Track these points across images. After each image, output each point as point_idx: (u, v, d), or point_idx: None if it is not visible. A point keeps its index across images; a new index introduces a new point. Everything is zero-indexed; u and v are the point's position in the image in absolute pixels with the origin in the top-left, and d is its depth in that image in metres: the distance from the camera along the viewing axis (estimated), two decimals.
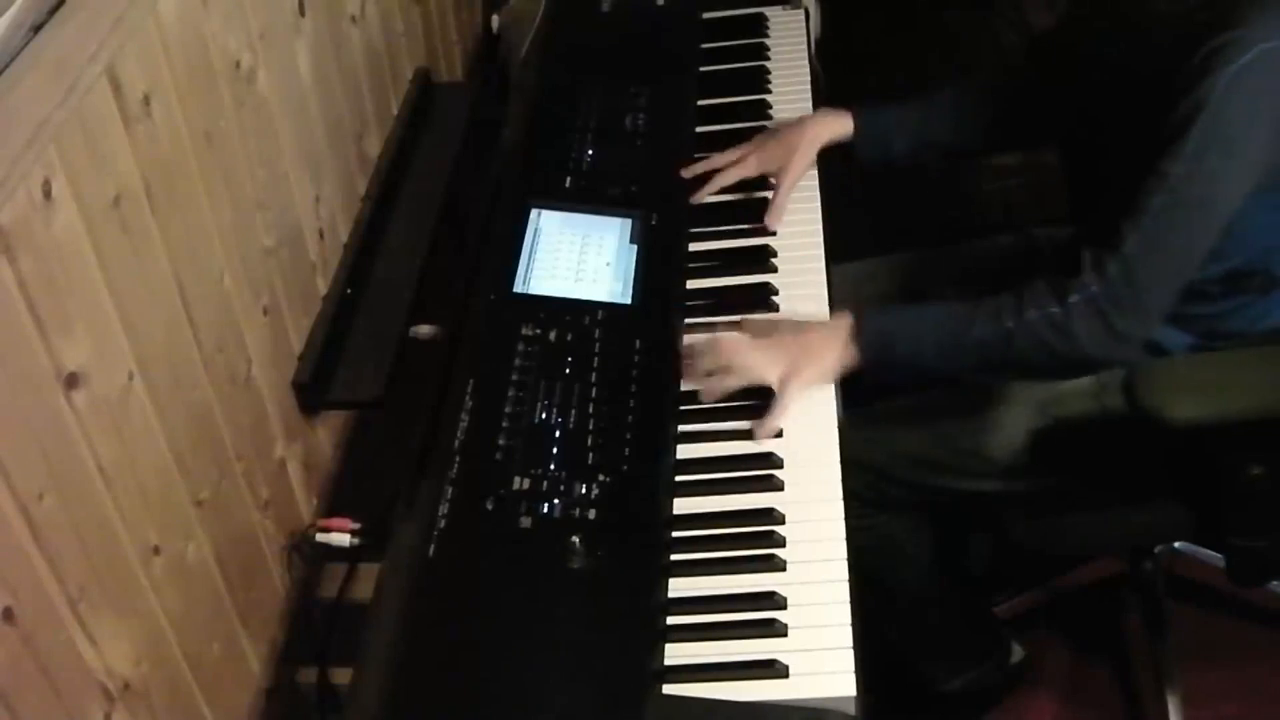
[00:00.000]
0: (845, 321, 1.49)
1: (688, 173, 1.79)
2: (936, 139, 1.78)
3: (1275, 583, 2.04)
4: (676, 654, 1.24)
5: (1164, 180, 1.35)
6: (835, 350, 1.47)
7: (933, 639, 1.89)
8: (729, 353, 1.48)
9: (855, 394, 1.53)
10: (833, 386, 1.49)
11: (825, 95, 2.03)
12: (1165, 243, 1.38)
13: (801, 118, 1.79)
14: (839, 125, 1.76)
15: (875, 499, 1.63)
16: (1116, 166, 1.53)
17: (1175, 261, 1.39)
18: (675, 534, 1.35)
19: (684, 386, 1.50)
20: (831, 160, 1.77)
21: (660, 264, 1.62)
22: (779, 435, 1.44)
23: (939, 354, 1.46)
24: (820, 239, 1.71)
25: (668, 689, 1.21)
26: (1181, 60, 1.36)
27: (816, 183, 1.78)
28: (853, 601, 1.27)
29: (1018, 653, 1.96)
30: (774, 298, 1.62)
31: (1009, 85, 1.78)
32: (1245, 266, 1.50)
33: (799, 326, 1.52)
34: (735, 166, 1.77)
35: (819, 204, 1.75)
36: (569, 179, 1.73)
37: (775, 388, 1.45)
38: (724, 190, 1.79)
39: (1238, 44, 1.32)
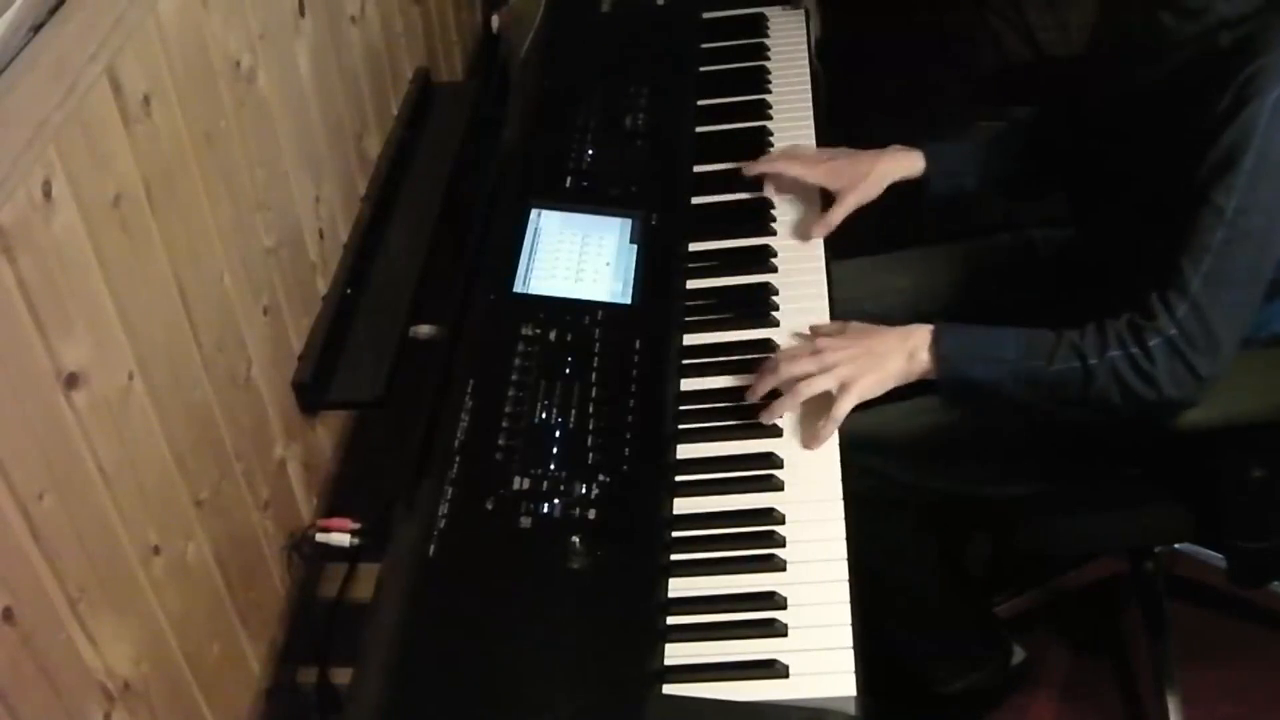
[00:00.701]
0: (920, 331, 1.46)
1: (750, 169, 1.78)
2: (1003, 174, 1.77)
3: (1275, 583, 2.04)
4: (676, 654, 1.24)
5: (1220, 215, 1.34)
6: (900, 358, 1.45)
7: (934, 640, 1.89)
8: (787, 365, 1.45)
9: None
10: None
11: (825, 95, 2.03)
12: (1230, 277, 1.36)
13: (878, 150, 1.77)
14: (911, 163, 1.74)
15: (875, 499, 1.63)
16: (1122, 176, 1.54)
17: (1242, 293, 1.38)
18: (675, 534, 1.35)
19: (750, 399, 1.46)
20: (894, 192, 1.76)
21: (660, 264, 1.62)
22: (779, 435, 1.44)
23: (1016, 381, 1.42)
24: (820, 239, 1.71)
25: (668, 689, 1.21)
26: (1209, 85, 1.36)
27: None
28: (853, 601, 1.27)
29: (1019, 654, 1.96)
30: (774, 297, 1.62)
31: (1053, 119, 1.77)
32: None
33: (865, 332, 1.49)
34: (802, 168, 1.76)
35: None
36: (569, 179, 1.73)
37: (834, 394, 1.43)
38: (724, 190, 1.80)
39: (1271, 71, 1.32)
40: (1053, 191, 1.79)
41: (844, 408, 1.42)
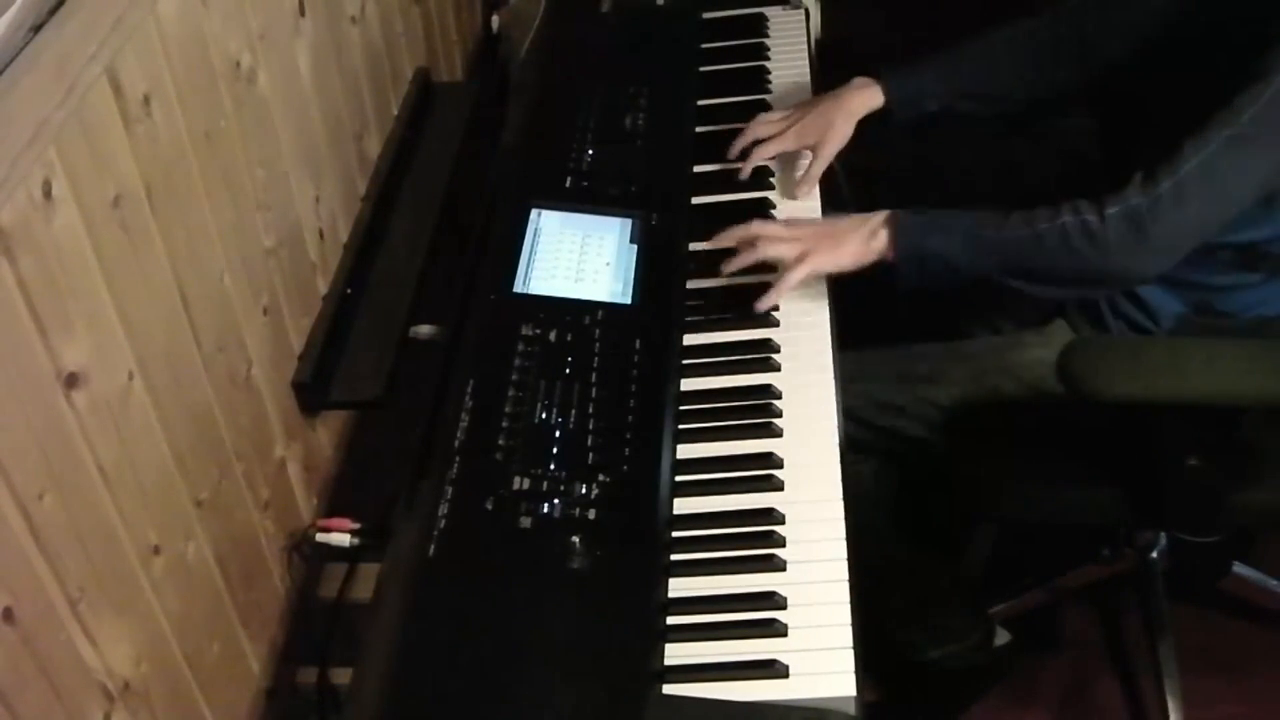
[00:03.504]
0: (880, 214, 1.54)
1: (733, 150, 1.81)
2: (969, 89, 1.79)
3: (1275, 582, 2.04)
4: (676, 654, 1.24)
5: (1237, 116, 1.39)
6: (859, 238, 1.53)
7: (905, 600, 1.88)
8: (756, 230, 1.57)
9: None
10: (831, 386, 1.50)
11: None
12: (1222, 174, 1.40)
13: (837, 91, 1.79)
14: (872, 97, 1.77)
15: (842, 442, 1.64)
16: (1160, 133, 1.56)
17: (1225, 194, 1.42)
18: (675, 534, 1.35)
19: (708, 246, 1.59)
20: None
21: (660, 264, 1.62)
22: (779, 435, 1.44)
23: (967, 249, 1.49)
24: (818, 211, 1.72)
25: (668, 689, 1.21)
26: (1249, 20, 1.41)
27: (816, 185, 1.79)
28: (853, 601, 1.27)
29: (1003, 635, 1.95)
30: None
31: (1044, 33, 1.77)
32: (1264, 242, 1.51)
33: (831, 217, 1.60)
34: (774, 141, 1.79)
35: (818, 203, 1.76)
36: (569, 179, 1.73)
37: (789, 265, 1.53)
38: (724, 190, 1.80)
39: None
40: (1039, 100, 1.80)
41: (797, 275, 1.53)
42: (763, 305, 1.54)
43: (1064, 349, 1.51)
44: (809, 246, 1.53)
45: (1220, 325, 1.61)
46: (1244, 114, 1.38)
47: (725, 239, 1.58)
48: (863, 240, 1.53)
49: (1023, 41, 1.76)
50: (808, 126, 1.77)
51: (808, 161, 1.77)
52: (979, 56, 1.78)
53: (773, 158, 1.80)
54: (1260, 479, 1.61)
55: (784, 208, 1.76)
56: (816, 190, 1.76)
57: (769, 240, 1.55)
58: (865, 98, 1.77)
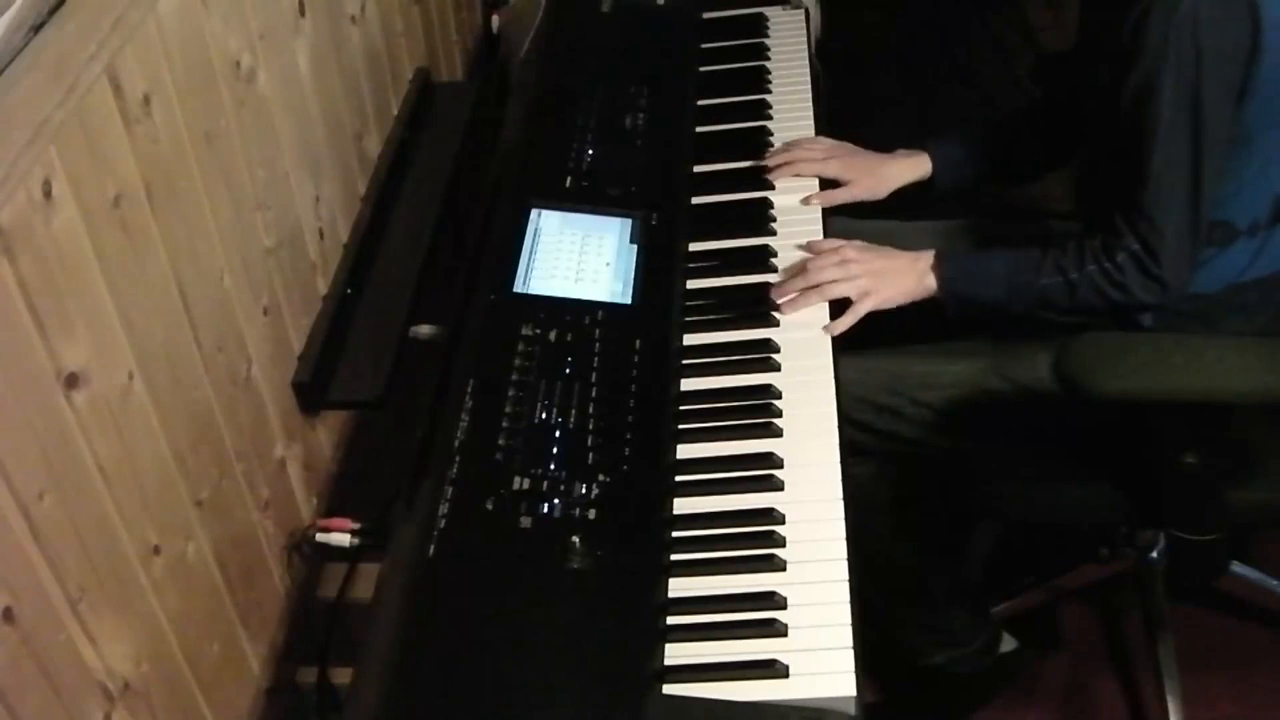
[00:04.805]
0: (926, 255, 1.64)
1: (771, 161, 1.83)
2: (997, 162, 1.87)
3: (1275, 582, 2.04)
4: (676, 654, 1.24)
5: (1156, 127, 1.47)
6: (912, 278, 1.63)
7: (912, 606, 1.88)
8: (815, 272, 1.62)
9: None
10: (831, 386, 1.50)
11: (825, 95, 2.04)
12: (1173, 195, 1.50)
13: (891, 154, 1.86)
14: (917, 166, 1.85)
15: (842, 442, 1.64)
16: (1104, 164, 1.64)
17: (1192, 203, 1.50)
18: (675, 534, 1.35)
19: (776, 298, 1.61)
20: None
21: (660, 264, 1.62)
22: (779, 435, 1.44)
23: (1009, 295, 1.60)
24: (820, 234, 1.72)
25: (668, 689, 1.21)
26: (1118, 18, 1.48)
27: (817, 185, 1.80)
28: (853, 601, 1.27)
29: (1009, 642, 1.95)
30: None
31: (1052, 109, 1.85)
32: (1215, 212, 1.53)
33: (881, 251, 1.66)
34: (816, 164, 1.82)
35: (819, 213, 1.76)
36: (569, 179, 1.73)
37: (854, 300, 1.61)
38: (724, 190, 1.80)
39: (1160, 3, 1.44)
40: (1043, 174, 1.91)
41: (862, 311, 1.60)
42: (838, 330, 1.58)
43: (1059, 347, 1.52)
44: (869, 286, 1.61)
45: (1200, 307, 1.61)
46: (1160, 121, 1.46)
47: (789, 287, 1.61)
48: (915, 280, 1.63)
49: (1037, 120, 1.85)
50: (852, 164, 1.82)
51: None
52: (1005, 136, 1.87)
53: (806, 176, 1.81)
54: (1256, 476, 1.61)
55: (783, 208, 1.76)
56: (819, 211, 1.77)
57: (832, 284, 1.61)
58: (912, 168, 1.85)
